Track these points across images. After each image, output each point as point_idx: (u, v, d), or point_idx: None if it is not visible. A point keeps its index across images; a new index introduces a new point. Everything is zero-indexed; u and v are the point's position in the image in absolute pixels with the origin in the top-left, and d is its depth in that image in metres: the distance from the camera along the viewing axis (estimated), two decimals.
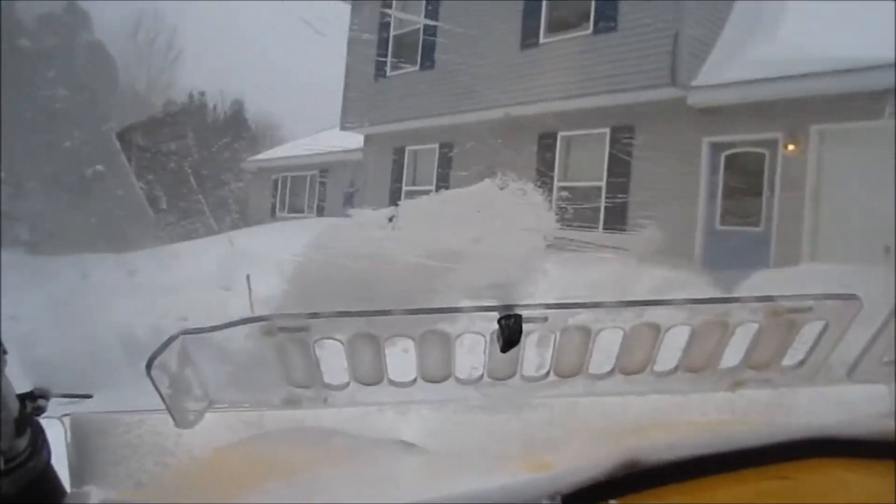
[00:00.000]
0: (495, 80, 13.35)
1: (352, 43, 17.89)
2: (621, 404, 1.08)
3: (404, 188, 16.45)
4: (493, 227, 0.92)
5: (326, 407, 1.05)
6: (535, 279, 0.95)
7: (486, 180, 0.93)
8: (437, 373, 1.03)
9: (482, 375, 1.04)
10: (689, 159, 10.36)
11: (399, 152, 16.74)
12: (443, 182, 15.09)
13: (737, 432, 0.90)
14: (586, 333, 0.99)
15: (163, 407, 1.00)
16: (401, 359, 1.04)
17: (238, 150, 26.88)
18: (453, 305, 0.97)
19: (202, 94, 34.45)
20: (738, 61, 10.00)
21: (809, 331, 0.98)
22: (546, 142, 12.88)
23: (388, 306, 0.94)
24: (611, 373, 1.03)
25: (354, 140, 18.57)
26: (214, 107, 35.74)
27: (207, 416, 1.05)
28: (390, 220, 0.93)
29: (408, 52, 16.20)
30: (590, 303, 0.97)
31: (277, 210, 23.23)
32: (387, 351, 1.00)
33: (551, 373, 1.03)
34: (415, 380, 1.04)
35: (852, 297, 0.95)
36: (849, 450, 0.88)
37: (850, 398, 1.02)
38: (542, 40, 12.67)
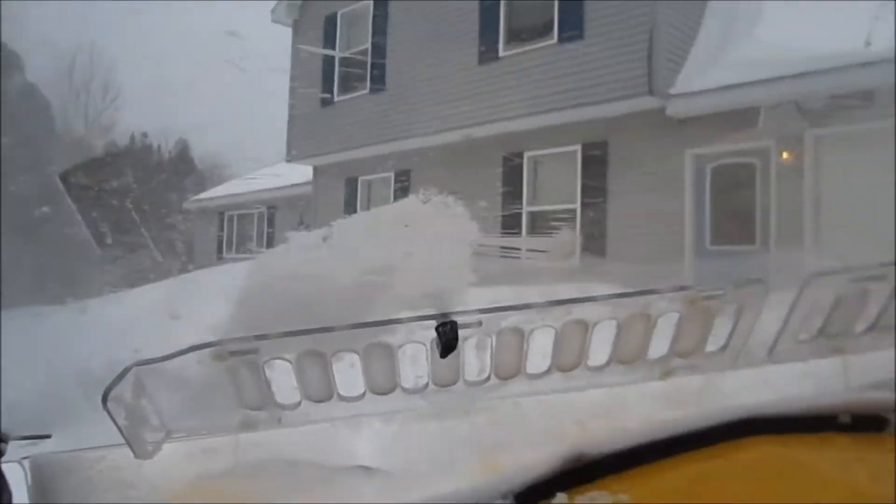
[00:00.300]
0: (452, 99, 13.50)
1: (295, 68, 18.13)
2: (562, 401, 1.27)
3: None
4: (422, 241, 1.11)
5: (281, 427, 1.23)
6: (465, 286, 1.14)
7: (411, 196, 1.13)
8: (383, 384, 1.21)
9: (427, 384, 1.23)
10: (672, 175, 10.41)
11: (351, 183, 16.83)
12: None
13: (672, 419, 1.09)
14: (520, 334, 1.19)
15: (122, 441, 1.17)
16: (348, 374, 1.22)
17: (185, 191, 27.36)
18: (393, 317, 1.16)
19: (145, 135, 35.19)
20: (719, 64, 10.10)
21: (727, 317, 1.18)
22: (512, 163, 13.01)
23: (331, 323, 1.13)
24: (548, 371, 1.22)
25: (304, 173, 18.74)
26: (158, 147, 36.43)
27: (166, 446, 1.22)
28: (324, 240, 1.12)
29: (356, 75, 16.42)
30: (520, 305, 1.17)
31: (224, 250, 23.47)
32: (334, 367, 1.19)
33: (492, 376, 1.22)
34: (363, 393, 1.22)
35: (759, 281, 1.16)
36: (777, 427, 1.08)
37: (772, 378, 1.23)
38: (501, 53, 12.83)
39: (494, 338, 1.19)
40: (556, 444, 1.03)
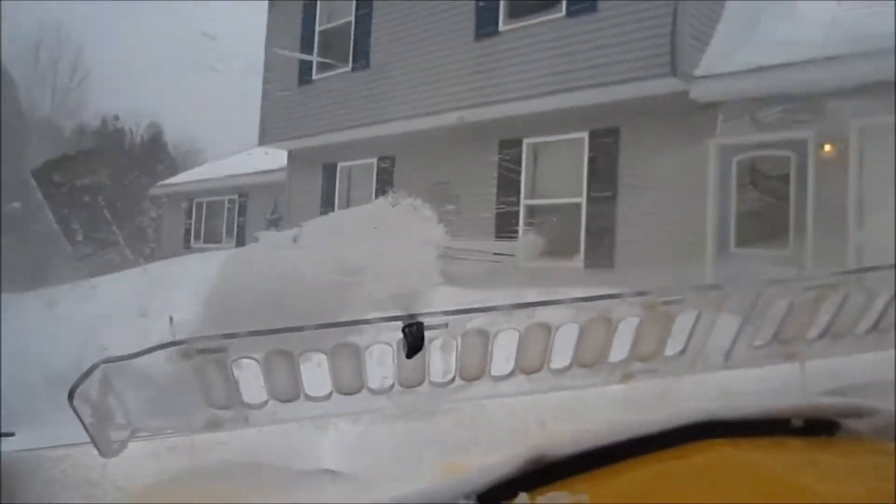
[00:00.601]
0: (444, 79, 13.52)
1: (271, 43, 18.17)
2: (526, 403, 1.46)
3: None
4: (391, 242, 1.30)
5: (248, 427, 1.41)
6: (433, 288, 1.33)
7: (381, 198, 1.32)
8: (350, 385, 1.39)
9: (393, 385, 1.41)
10: (692, 167, 10.18)
11: (330, 170, 16.94)
12: None
13: (631, 422, 1.29)
14: (485, 336, 1.37)
15: (86, 439, 1.34)
16: (315, 374, 1.40)
17: (157, 178, 27.98)
18: (361, 318, 1.34)
19: (116, 117, 36.04)
20: (750, 44, 9.90)
21: (685, 322, 1.38)
22: (509, 151, 12.98)
23: (299, 323, 1.31)
24: (512, 373, 1.41)
25: (278, 158, 18.86)
26: (131, 131, 37.23)
27: (132, 445, 1.40)
28: (295, 240, 1.30)
29: (337, 50, 16.40)
30: (485, 307, 1.36)
31: (192, 240, 23.81)
32: (302, 367, 1.37)
33: (457, 377, 1.41)
34: (330, 393, 1.40)
35: (717, 287, 1.35)
36: (732, 430, 1.27)
37: (728, 383, 1.43)
38: (501, 28, 12.74)
39: (460, 339, 1.38)
40: (519, 446, 1.21)
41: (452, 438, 1.46)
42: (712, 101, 9.99)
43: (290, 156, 18.15)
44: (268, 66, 18.28)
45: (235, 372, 1.34)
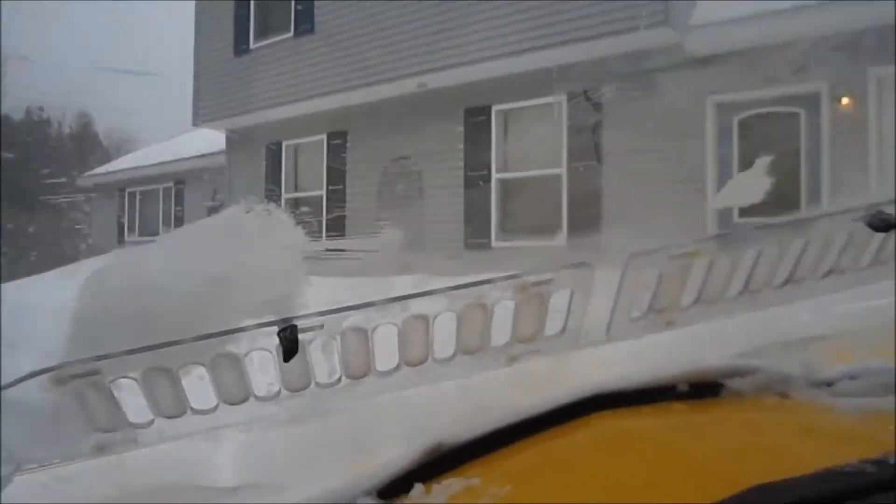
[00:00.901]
0: (401, 41, 13.63)
1: (202, 8, 18.15)
2: (417, 395, 1.65)
3: (284, 195, 16.84)
4: (251, 250, 1.48)
5: (139, 447, 1.59)
6: (303, 290, 1.51)
7: (232, 206, 1.51)
8: (236, 394, 1.57)
9: (279, 390, 1.60)
10: (689, 129, 10.27)
11: (274, 150, 17.20)
12: (336, 183, 15.41)
13: (522, 403, 1.48)
14: (363, 334, 1.56)
15: None
16: (199, 386, 1.58)
17: (88, 169, 28.41)
18: (235, 327, 1.52)
19: (41, 108, 36.46)
20: None
21: (561, 300, 1.57)
22: (476, 120, 13.14)
23: (174, 338, 1.49)
24: (397, 367, 1.60)
25: (217, 140, 18.96)
26: (59, 123, 37.66)
27: (18, 478, 1.55)
28: (151, 253, 1.48)
29: (278, 15, 16.49)
30: (358, 304, 1.54)
31: (126, 233, 24.07)
32: (184, 381, 1.55)
33: (343, 376, 1.60)
34: (217, 405, 1.59)
35: (585, 264, 1.54)
36: (619, 401, 1.47)
37: (612, 355, 1.63)
38: None
39: (339, 339, 1.56)
40: (416, 438, 1.41)
41: (348, 437, 1.64)
42: (710, 53, 10.02)
43: (229, 136, 18.38)
44: (199, 35, 18.32)
45: (117, 393, 1.51)
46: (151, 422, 1.56)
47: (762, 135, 10.12)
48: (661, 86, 10.33)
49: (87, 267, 1.61)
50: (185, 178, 22.58)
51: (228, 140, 18.45)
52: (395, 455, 1.38)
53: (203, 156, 20.77)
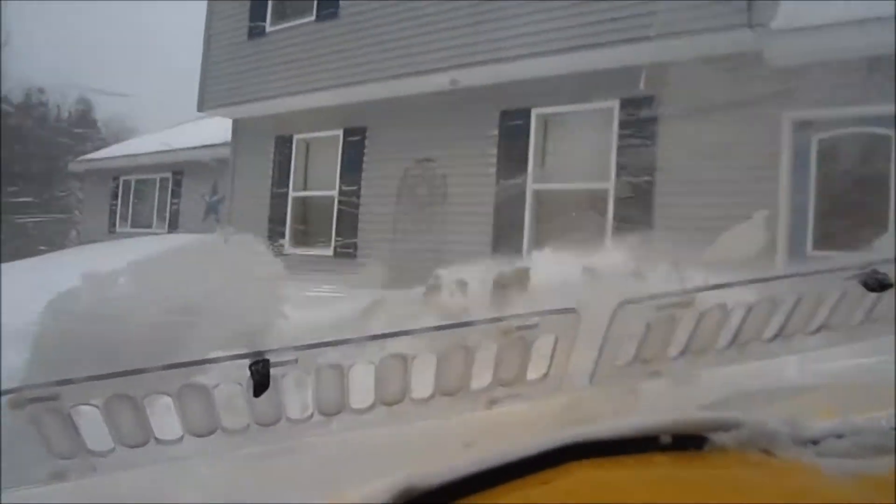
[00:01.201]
0: (433, 31, 13.55)
1: None
2: (391, 435, 1.78)
3: (291, 194, 16.95)
4: (225, 280, 1.62)
5: (97, 475, 1.72)
6: (278, 323, 1.65)
7: (209, 235, 1.65)
8: (202, 426, 1.70)
9: (249, 424, 1.73)
10: (759, 148, 9.96)
11: (284, 143, 17.25)
12: (350, 184, 15.47)
13: (500, 448, 1.61)
14: (339, 371, 1.69)
15: None
16: (165, 416, 1.72)
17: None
18: (205, 357, 1.66)
19: (41, 91, 37.85)
20: None
21: (545, 345, 1.70)
22: (512, 123, 12.97)
23: (138, 365, 1.62)
24: (372, 406, 1.73)
25: (222, 130, 19.10)
26: (58, 107, 39.05)
27: None
28: (120, 279, 1.62)
29: None
30: (335, 341, 1.68)
31: (118, 224, 24.59)
32: (149, 410, 1.68)
33: (315, 413, 1.73)
34: (182, 437, 1.72)
35: (571, 310, 1.67)
36: (600, 450, 1.59)
37: (593, 405, 1.76)
38: None
39: (313, 374, 1.70)
40: (386, 478, 1.54)
41: (317, 474, 1.77)
42: (791, 62, 9.56)
43: (237, 125, 18.43)
44: (211, 15, 18.44)
45: (76, 419, 1.64)
46: (112, 450, 1.68)
47: (846, 157, 9.89)
48: (731, 96, 9.84)
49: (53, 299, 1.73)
50: (184, 170, 22.93)
51: (235, 129, 18.54)
52: (365, 495, 1.44)
53: (205, 146, 21.02)
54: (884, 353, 1.93)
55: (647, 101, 11.20)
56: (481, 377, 1.73)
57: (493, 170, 13.08)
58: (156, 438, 1.70)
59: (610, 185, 11.76)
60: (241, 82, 17.30)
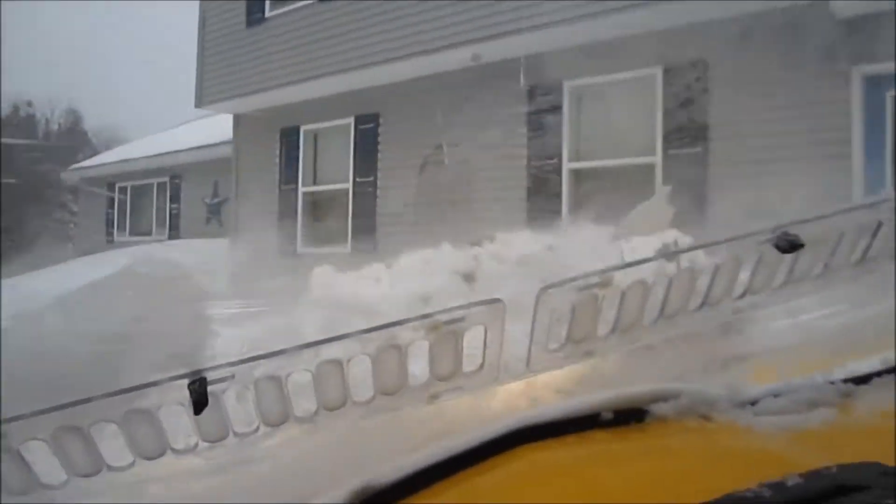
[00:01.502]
0: (450, 3, 13.78)
1: None
2: (339, 439, 2.02)
3: (301, 189, 17.48)
4: (153, 304, 1.87)
5: None
6: (210, 342, 1.89)
7: (125, 265, 1.90)
8: (151, 449, 1.94)
9: (197, 442, 1.98)
10: (827, 108, 10.06)
11: (290, 135, 17.74)
12: (365, 175, 15.88)
13: (449, 440, 1.84)
14: (277, 381, 1.93)
15: None
16: (114, 444, 1.96)
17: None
18: (145, 382, 1.90)
19: (29, 103, 39.87)
20: None
21: (476, 337, 1.93)
22: (543, 98, 13.17)
23: (80, 397, 1.86)
24: (315, 413, 1.97)
25: (220, 129, 19.37)
26: (46, 119, 40.97)
27: None
28: (45, 314, 1.86)
29: None
30: (269, 353, 1.92)
31: (116, 233, 25.28)
32: (97, 438, 1.92)
33: (261, 425, 1.97)
34: (133, 462, 1.97)
35: (496, 300, 1.90)
36: (544, 433, 1.83)
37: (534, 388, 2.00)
38: None
39: (252, 388, 1.94)
40: (341, 481, 1.77)
41: (272, 485, 2.01)
42: (860, 12, 9.69)
43: (238, 120, 18.97)
44: (204, 5, 18.64)
45: (27, 455, 1.89)
46: (66, 482, 1.91)
47: None
48: (791, 53, 10.14)
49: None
50: (183, 173, 23.46)
51: (236, 124, 18.82)
52: (323, 500, 1.69)
53: (204, 146, 21.45)
54: (809, 312, 2.17)
55: (696, 65, 11.35)
56: (419, 373, 1.97)
57: (523, 151, 13.33)
58: (108, 466, 1.93)
59: (656, 159, 11.95)
60: (241, 73, 17.63)
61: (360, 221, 15.78)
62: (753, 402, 1.82)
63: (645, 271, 1.99)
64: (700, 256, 2.05)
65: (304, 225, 17.22)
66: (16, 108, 39.97)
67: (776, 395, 1.84)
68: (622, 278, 1.97)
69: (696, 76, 11.44)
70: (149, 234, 24.81)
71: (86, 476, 1.94)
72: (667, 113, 11.89)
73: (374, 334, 1.92)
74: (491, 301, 1.91)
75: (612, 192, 11.78)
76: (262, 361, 1.92)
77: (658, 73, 11.93)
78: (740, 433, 1.71)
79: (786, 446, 1.62)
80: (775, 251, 1.96)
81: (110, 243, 25.57)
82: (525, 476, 1.73)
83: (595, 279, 1.95)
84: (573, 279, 1.94)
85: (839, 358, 2.06)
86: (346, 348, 1.93)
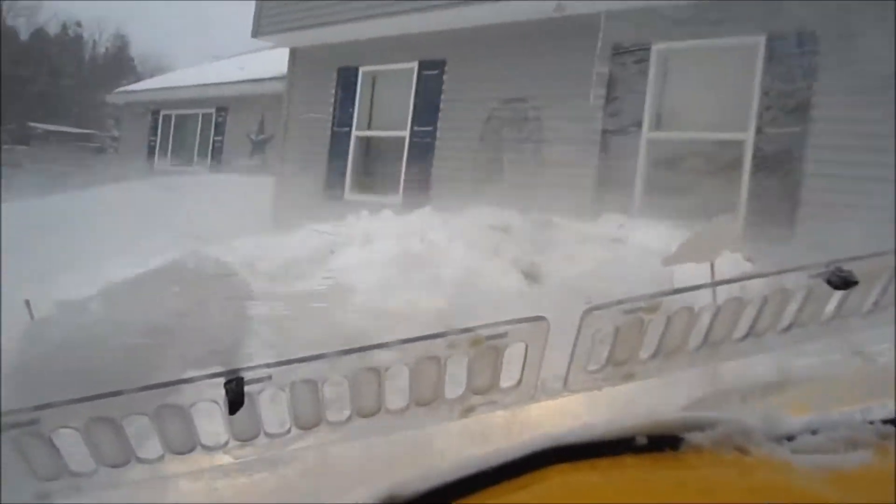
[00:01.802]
0: None
1: None
2: (369, 445, 2.23)
3: (355, 133, 17.40)
4: (196, 301, 2.08)
5: (81, 496, 2.18)
6: (249, 341, 2.11)
7: (174, 259, 2.12)
8: (182, 444, 2.15)
9: (228, 440, 2.19)
10: None
11: (347, 76, 17.65)
12: (425, 125, 15.76)
13: (480, 455, 2.03)
14: (313, 385, 2.14)
15: None
16: (144, 436, 2.17)
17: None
18: (181, 377, 2.11)
19: (79, 24, 41.61)
20: None
21: (516, 352, 2.14)
22: (627, 60, 12.93)
23: (116, 388, 2.07)
24: (349, 419, 2.18)
25: (271, 63, 19.47)
26: (94, 42, 42.46)
27: None
28: (91, 306, 2.08)
29: None
30: (308, 357, 2.13)
31: (157, 160, 25.85)
32: (129, 430, 2.13)
33: (293, 427, 2.18)
34: (163, 455, 2.18)
35: (540, 318, 2.10)
36: (577, 454, 2.01)
37: (572, 407, 2.20)
38: None
39: (288, 390, 2.15)
40: (367, 489, 1.95)
41: (299, 487, 2.21)
42: None
43: (294, 55, 18.87)
44: None
45: (57, 442, 2.09)
46: (95, 471, 2.10)
47: None
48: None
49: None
50: (229, 105, 23.75)
51: (292, 59, 19.08)
52: None
53: (252, 80, 21.67)
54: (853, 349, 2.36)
55: (804, 37, 11.19)
56: (456, 386, 2.17)
57: (599, 114, 13.10)
58: (137, 458, 2.12)
59: (748, 136, 11.75)
60: (302, 5, 17.58)
61: (415, 171, 15.96)
62: (790, 437, 1.92)
63: (692, 298, 2.16)
64: (752, 285, 2.20)
65: (353, 171, 17.31)
66: (65, 27, 41.60)
67: (814, 432, 1.94)
68: (669, 304, 2.14)
69: (803, 49, 11.23)
70: (190, 163, 25.23)
71: (114, 466, 2.13)
72: (765, 87, 11.68)
73: (415, 344, 2.09)
74: (535, 318, 2.08)
75: (690, 172, 12.19)
76: (300, 364, 2.10)
77: (761, 41, 11.71)
78: (780, 472, 1.80)
79: (828, 486, 1.73)
80: (826, 286, 2.11)
81: (151, 171, 26.00)
82: (555, 497, 1.84)
83: (642, 303, 2.12)
84: (620, 302, 2.11)
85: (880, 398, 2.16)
86: (385, 357, 2.11)
